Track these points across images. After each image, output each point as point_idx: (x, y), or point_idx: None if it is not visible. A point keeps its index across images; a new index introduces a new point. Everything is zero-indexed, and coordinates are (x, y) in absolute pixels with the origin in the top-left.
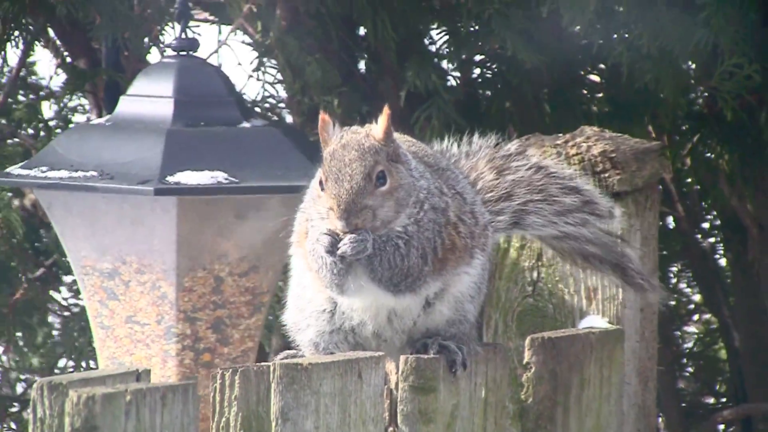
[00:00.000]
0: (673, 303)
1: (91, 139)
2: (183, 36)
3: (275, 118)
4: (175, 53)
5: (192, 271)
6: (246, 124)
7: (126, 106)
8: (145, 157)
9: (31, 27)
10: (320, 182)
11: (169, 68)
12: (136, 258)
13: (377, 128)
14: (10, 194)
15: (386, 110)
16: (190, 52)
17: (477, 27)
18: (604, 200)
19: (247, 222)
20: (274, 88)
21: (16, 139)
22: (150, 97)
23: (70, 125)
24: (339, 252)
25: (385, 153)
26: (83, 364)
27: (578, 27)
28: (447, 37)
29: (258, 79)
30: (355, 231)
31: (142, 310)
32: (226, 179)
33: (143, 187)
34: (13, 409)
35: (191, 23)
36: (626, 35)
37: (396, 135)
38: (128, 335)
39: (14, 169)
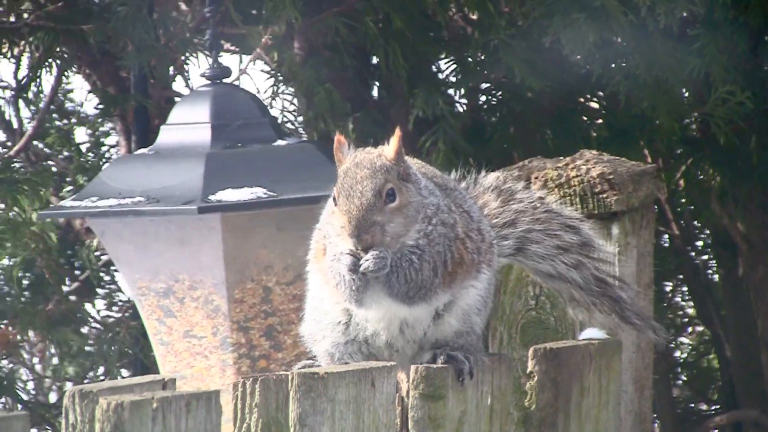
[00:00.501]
0: (667, 341)
1: (135, 168)
2: (215, 65)
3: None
4: (209, 81)
5: (241, 283)
6: (281, 142)
7: (166, 135)
8: (187, 180)
9: (64, 55)
10: (334, 199)
11: (204, 96)
12: (187, 276)
13: (389, 148)
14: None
15: (398, 132)
16: (223, 80)
17: (483, 57)
18: (602, 245)
19: (288, 233)
20: (291, 114)
21: (50, 162)
22: (188, 125)
23: (102, 148)
24: (361, 269)
25: (395, 172)
26: (127, 372)
27: (578, 56)
28: (455, 66)
29: (271, 107)
30: (373, 248)
31: (198, 324)
32: (265, 194)
33: (188, 207)
34: (48, 415)
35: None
36: (623, 64)
37: (406, 158)
38: (187, 349)
39: (67, 202)
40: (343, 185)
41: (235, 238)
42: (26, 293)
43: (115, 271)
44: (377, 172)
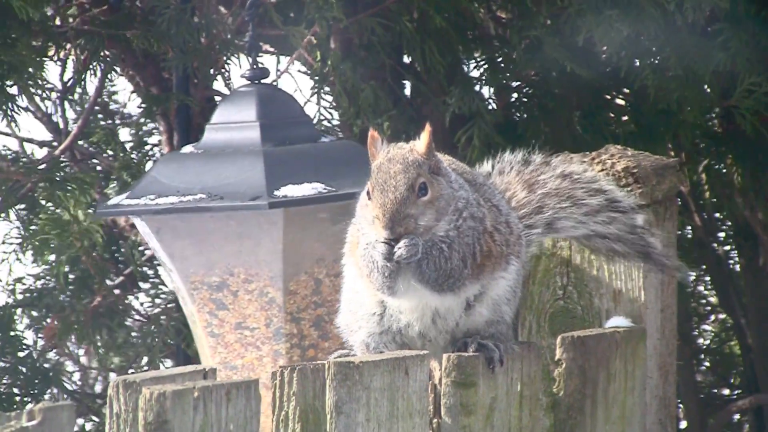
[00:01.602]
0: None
1: (188, 166)
2: (255, 66)
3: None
4: (248, 82)
5: (296, 275)
6: (325, 140)
7: (212, 134)
8: (248, 177)
9: (108, 59)
10: (368, 192)
11: (247, 96)
12: (243, 269)
13: (420, 144)
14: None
15: (428, 128)
16: (262, 80)
17: (515, 55)
18: (626, 197)
19: (340, 226)
20: (328, 112)
21: (95, 161)
22: (235, 124)
23: (145, 147)
24: (395, 257)
25: (427, 166)
26: (165, 364)
27: (609, 53)
28: (487, 64)
29: (316, 104)
30: (404, 236)
31: (251, 315)
32: (325, 189)
33: (258, 203)
34: (94, 405)
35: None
36: (653, 59)
37: (439, 154)
38: (238, 340)
39: (122, 200)
40: (377, 180)
41: (294, 232)
42: (72, 287)
43: (158, 265)
44: (410, 166)
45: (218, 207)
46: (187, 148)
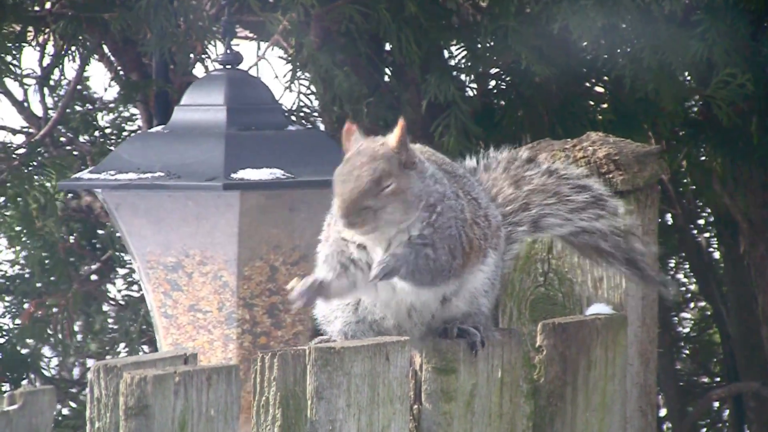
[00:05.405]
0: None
1: (152, 145)
2: (228, 51)
3: (309, 126)
4: (222, 67)
5: (251, 260)
6: (292, 128)
7: (180, 115)
8: (207, 158)
9: (87, 43)
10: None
11: (218, 80)
12: (199, 251)
13: (392, 137)
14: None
15: (401, 121)
16: (235, 66)
17: (492, 43)
18: (611, 197)
19: (298, 214)
20: (307, 98)
21: (68, 147)
22: (203, 106)
23: (123, 133)
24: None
25: (396, 160)
26: (143, 349)
27: (585, 42)
28: (465, 52)
29: (291, 90)
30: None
31: (204, 298)
32: (284, 175)
33: (212, 183)
34: (72, 390)
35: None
36: (629, 49)
37: (417, 146)
38: (191, 322)
39: (84, 174)
40: (342, 171)
41: (250, 217)
42: (48, 273)
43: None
44: (376, 159)
45: (174, 186)
46: (157, 129)
